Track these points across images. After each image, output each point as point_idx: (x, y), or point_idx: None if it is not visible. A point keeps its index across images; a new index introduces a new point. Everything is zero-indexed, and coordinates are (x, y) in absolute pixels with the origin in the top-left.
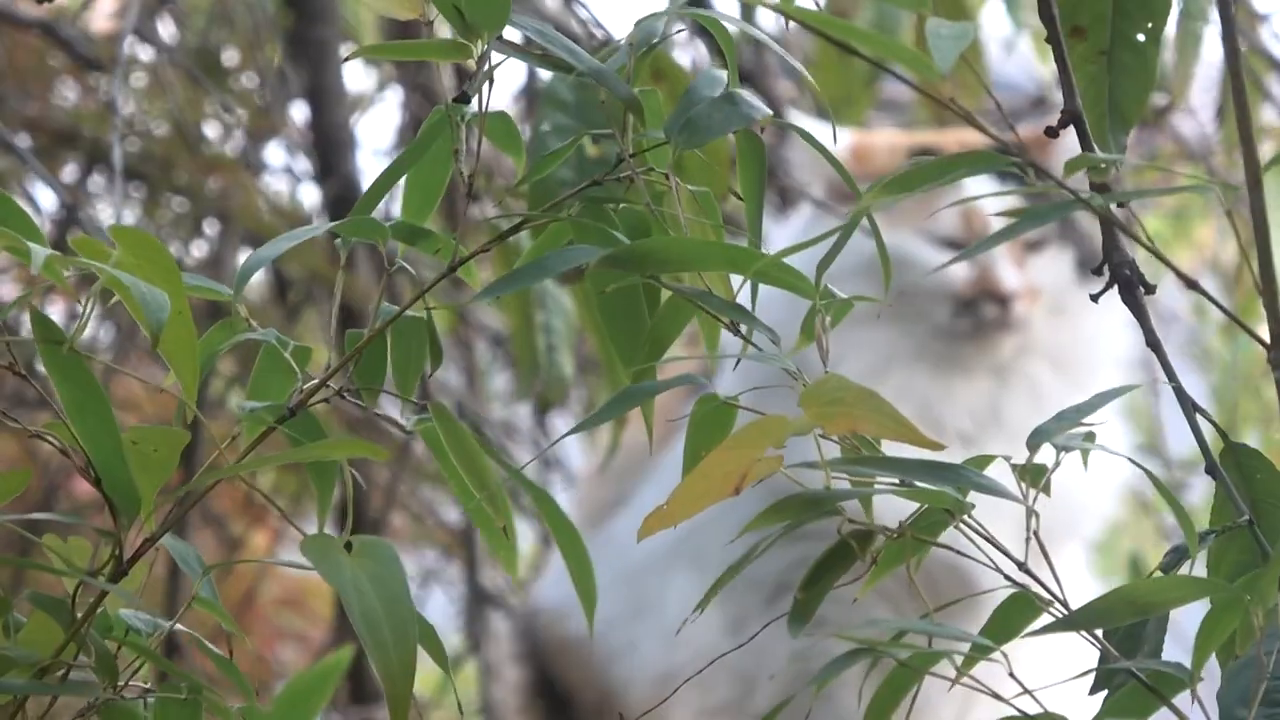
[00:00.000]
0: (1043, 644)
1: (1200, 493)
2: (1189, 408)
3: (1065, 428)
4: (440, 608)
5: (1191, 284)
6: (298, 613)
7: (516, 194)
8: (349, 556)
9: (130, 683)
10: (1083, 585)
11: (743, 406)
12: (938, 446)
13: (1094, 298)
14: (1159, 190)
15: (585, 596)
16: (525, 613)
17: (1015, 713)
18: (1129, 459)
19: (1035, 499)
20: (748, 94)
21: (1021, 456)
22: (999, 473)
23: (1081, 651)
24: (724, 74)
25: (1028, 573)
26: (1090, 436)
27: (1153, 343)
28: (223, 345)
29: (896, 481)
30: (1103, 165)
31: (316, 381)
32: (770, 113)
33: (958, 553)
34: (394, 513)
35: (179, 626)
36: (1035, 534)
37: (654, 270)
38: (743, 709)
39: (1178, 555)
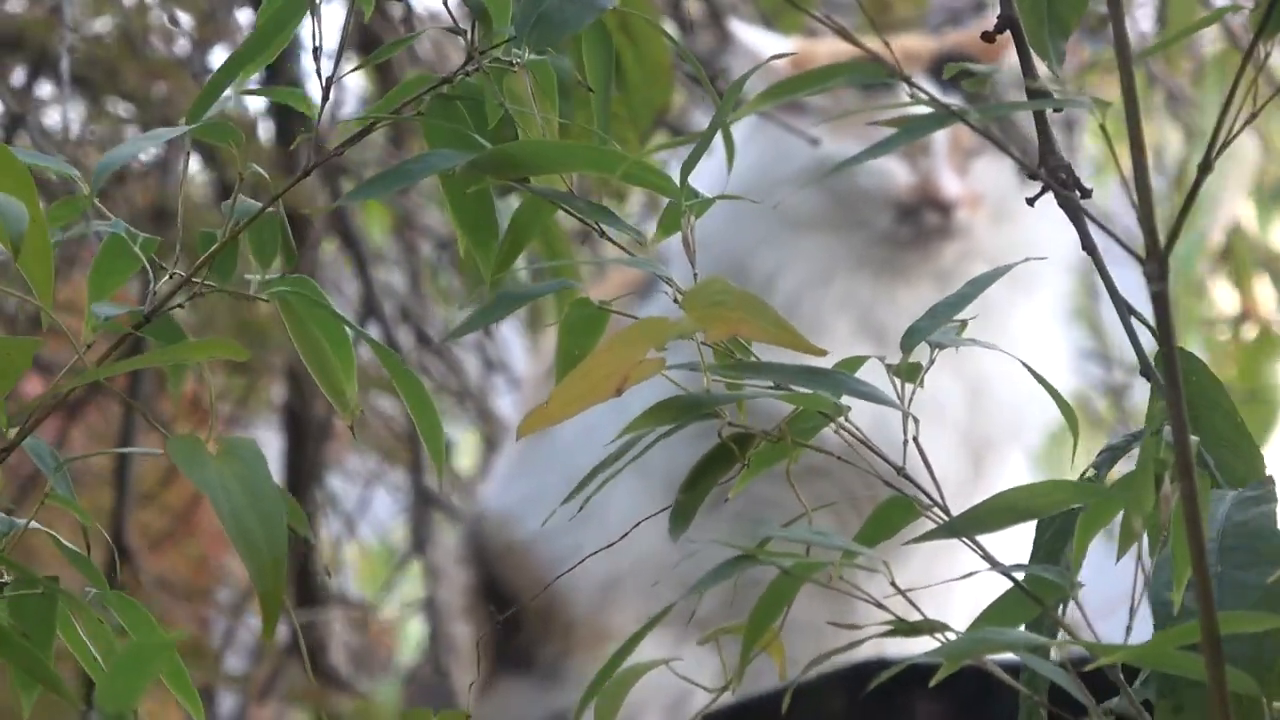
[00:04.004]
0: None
1: (1143, 393)
2: (1124, 313)
3: (940, 323)
4: (386, 508)
5: (1085, 193)
6: None
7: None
8: (215, 457)
9: None
10: None
11: (616, 311)
12: (819, 352)
13: (1030, 201)
14: (1027, 104)
15: (433, 449)
16: (471, 516)
17: (893, 619)
18: (1026, 366)
19: (910, 400)
20: None
21: (964, 364)
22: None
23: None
24: None
25: (906, 477)
26: (963, 327)
27: (1089, 248)
28: (65, 223)
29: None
30: (981, 77)
31: (172, 284)
32: (617, 2)
33: (838, 458)
34: (338, 416)
35: (35, 524)
36: (915, 439)
37: (519, 173)
38: (685, 615)
39: (1110, 455)
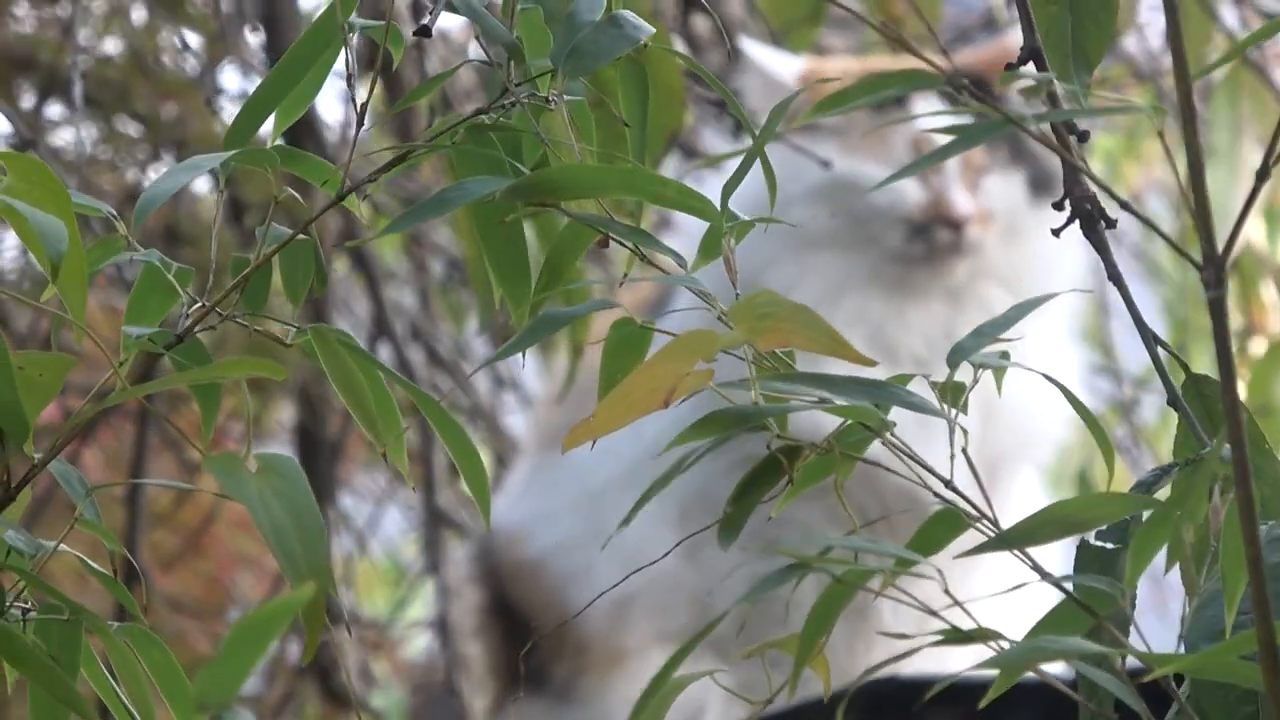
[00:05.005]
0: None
1: (1151, 409)
2: (1150, 341)
3: (984, 343)
4: (396, 526)
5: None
6: (254, 537)
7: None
8: (254, 473)
9: (14, 605)
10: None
11: (659, 330)
12: (869, 363)
13: (1055, 233)
14: (1095, 110)
15: (479, 496)
16: (483, 534)
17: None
18: (1052, 380)
19: (957, 415)
20: (630, 15)
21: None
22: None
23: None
24: None
25: (954, 490)
26: (1005, 355)
27: (1114, 276)
28: (103, 264)
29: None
30: (1038, 85)
31: (203, 307)
32: (653, 31)
33: (885, 469)
34: (352, 433)
35: (64, 547)
36: (964, 452)
37: (555, 198)
38: (697, 631)
39: (1144, 489)
